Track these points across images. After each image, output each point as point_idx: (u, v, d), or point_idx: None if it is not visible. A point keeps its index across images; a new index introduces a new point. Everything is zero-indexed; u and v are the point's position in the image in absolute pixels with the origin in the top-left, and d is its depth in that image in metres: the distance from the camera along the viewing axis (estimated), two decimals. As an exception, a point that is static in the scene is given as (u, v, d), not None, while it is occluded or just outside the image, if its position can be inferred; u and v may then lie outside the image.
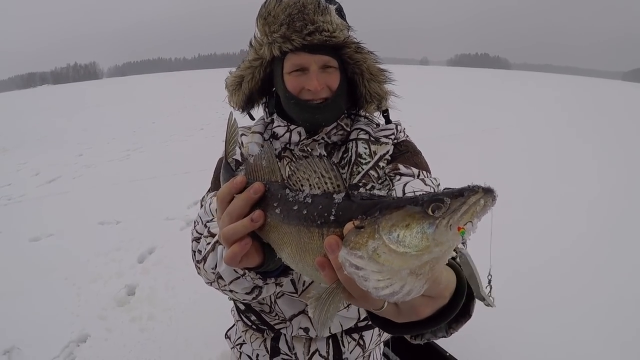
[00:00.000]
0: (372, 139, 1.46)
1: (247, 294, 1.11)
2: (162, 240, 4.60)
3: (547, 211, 5.21)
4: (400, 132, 1.54)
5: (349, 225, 0.60)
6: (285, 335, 1.57)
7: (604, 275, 3.81)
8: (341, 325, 1.54)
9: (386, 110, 1.53)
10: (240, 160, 1.44)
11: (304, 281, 1.42)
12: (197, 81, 34.60)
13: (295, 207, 0.70)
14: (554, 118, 12.87)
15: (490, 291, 0.62)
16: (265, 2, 1.34)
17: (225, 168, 1.00)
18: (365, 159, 1.41)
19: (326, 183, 0.69)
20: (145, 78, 52.27)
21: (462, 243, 0.54)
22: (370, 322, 1.58)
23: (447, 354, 2.24)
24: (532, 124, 11.85)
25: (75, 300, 3.51)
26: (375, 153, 1.43)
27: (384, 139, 1.47)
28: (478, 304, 0.81)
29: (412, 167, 1.38)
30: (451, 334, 0.79)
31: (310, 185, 0.71)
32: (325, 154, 0.65)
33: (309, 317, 1.52)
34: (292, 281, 1.44)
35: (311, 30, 1.29)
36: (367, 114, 1.53)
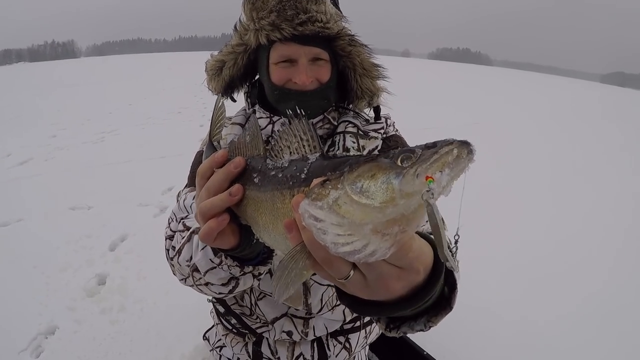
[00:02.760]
0: (360, 132, 1.39)
1: (223, 285, 1.07)
2: (134, 228, 4.50)
3: (523, 209, 5.24)
4: (390, 125, 1.49)
5: (315, 181, 0.58)
6: (267, 339, 1.53)
7: (588, 271, 3.88)
8: (326, 328, 1.50)
9: (377, 107, 1.45)
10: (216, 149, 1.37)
11: None
12: (176, 64, 34.10)
13: (273, 173, 0.69)
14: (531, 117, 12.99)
15: (455, 252, 0.57)
16: None
17: (209, 147, 0.99)
18: (353, 153, 1.33)
19: (304, 146, 0.69)
20: (123, 58, 51.48)
21: (430, 193, 0.50)
22: (356, 324, 1.56)
23: (425, 353, 2.22)
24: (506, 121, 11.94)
25: (44, 289, 3.41)
26: (363, 148, 1.36)
27: (373, 134, 1.40)
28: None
29: None
30: (430, 327, 0.74)
31: (290, 151, 0.70)
32: (308, 113, 0.63)
33: (292, 320, 1.48)
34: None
35: (303, 19, 1.21)
36: (357, 109, 1.46)
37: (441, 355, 2.30)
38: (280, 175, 0.67)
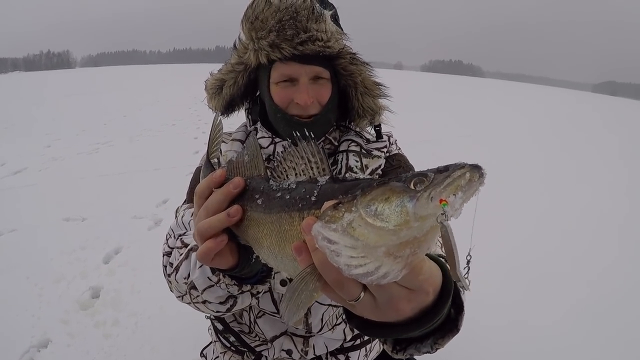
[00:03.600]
0: (363, 151, 1.39)
1: (220, 303, 1.07)
2: (128, 240, 4.47)
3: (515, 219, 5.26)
4: (393, 144, 1.49)
5: (327, 203, 0.58)
6: (266, 357, 1.51)
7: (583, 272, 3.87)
8: (326, 347, 1.49)
9: (378, 125, 1.44)
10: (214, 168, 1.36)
11: None
12: (171, 75, 34.18)
13: (279, 194, 0.68)
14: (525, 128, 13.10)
15: (467, 273, 0.58)
16: (253, 3, 1.24)
17: (207, 166, 0.98)
18: (356, 172, 1.34)
19: (312, 168, 0.68)
20: (118, 69, 51.49)
21: (444, 216, 0.51)
22: (357, 342, 1.55)
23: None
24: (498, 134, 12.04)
25: (37, 301, 3.37)
26: (367, 167, 1.36)
27: (376, 152, 1.40)
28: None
29: None
30: (437, 349, 0.74)
31: (296, 173, 0.70)
32: (314, 137, 0.64)
33: (292, 339, 1.47)
34: (274, 300, 1.37)
35: (303, 39, 1.20)
36: (358, 129, 1.45)
37: (435, 355, 2.28)
38: (288, 197, 0.67)
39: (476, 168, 0.52)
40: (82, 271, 3.84)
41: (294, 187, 0.67)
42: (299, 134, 0.71)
